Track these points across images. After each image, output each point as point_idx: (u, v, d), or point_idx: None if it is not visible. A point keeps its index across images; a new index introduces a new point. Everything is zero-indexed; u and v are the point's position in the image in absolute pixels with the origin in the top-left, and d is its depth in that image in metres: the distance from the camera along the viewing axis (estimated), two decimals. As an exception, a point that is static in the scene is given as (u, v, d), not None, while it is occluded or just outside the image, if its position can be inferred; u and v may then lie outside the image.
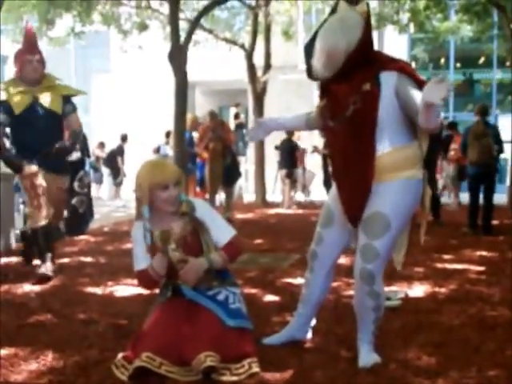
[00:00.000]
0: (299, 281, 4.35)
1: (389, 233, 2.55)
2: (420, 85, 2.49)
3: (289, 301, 3.63)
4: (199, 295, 2.64)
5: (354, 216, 2.63)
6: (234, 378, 2.40)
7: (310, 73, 2.69)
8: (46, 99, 4.54)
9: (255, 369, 2.46)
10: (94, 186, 11.48)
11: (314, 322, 2.99)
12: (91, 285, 4.30)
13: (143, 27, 13.32)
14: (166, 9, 11.43)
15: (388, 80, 2.53)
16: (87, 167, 8.35)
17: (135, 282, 4.32)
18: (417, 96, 2.43)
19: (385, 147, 2.55)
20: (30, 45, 4.57)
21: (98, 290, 4.14)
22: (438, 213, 8.34)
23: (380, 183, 2.56)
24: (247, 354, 2.51)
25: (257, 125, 3.08)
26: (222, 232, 2.71)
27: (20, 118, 4.46)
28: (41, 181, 4.44)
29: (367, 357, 2.62)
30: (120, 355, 2.50)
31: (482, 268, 4.92)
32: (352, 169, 2.59)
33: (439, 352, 2.77)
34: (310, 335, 2.98)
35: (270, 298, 3.91)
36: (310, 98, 16.17)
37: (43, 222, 4.41)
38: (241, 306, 2.72)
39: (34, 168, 4.41)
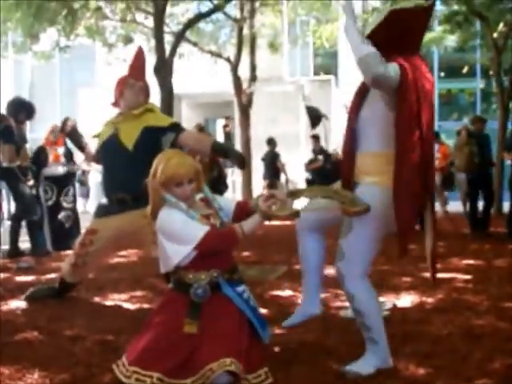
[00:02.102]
0: (287, 293, 4.35)
1: (351, 233, 2.54)
2: None
3: (277, 313, 3.62)
4: (236, 296, 2.54)
5: None
6: None
7: None
8: (124, 131, 3.84)
9: (270, 379, 2.48)
10: (80, 201, 11.42)
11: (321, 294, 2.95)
12: (78, 300, 4.26)
13: (128, 40, 13.35)
14: (150, 22, 11.46)
15: None
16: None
17: (122, 297, 4.33)
18: None
19: (360, 149, 2.58)
20: (135, 69, 4.03)
21: (85, 306, 4.10)
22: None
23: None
24: (262, 364, 2.52)
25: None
26: (228, 202, 2.71)
27: (100, 153, 4.01)
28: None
29: (358, 364, 2.61)
30: (124, 357, 2.50)
31: (468, 276, 4.95)
32: None
33: (427, 362, 2.77)
34: (321, 308, 2.94)
35: (258, 310, 3.90)
36: (295, 110, 16.24)
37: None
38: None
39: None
